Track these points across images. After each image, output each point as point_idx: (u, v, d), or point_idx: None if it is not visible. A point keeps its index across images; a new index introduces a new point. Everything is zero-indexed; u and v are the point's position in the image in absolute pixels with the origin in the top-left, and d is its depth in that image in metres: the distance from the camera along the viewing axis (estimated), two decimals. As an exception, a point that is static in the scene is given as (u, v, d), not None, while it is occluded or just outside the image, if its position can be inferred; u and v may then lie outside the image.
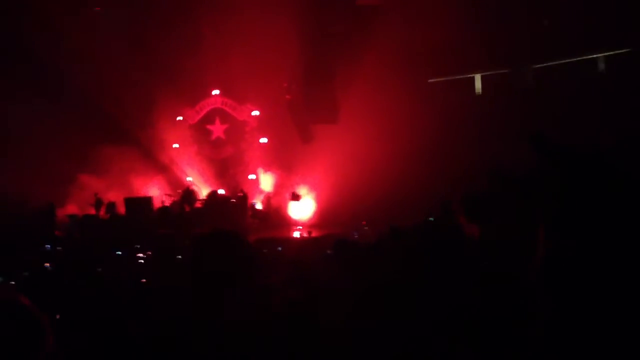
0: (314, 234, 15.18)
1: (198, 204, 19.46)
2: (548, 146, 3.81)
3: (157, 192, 20.29)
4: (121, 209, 19.50)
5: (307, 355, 1.79)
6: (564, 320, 3.00)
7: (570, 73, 16.30)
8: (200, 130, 21.76)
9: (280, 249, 10.06)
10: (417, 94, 17.01)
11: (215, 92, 21.59)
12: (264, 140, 20.64)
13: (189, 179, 20.51)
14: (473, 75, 18.45)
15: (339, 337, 1.99)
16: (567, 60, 16.77)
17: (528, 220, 4.23)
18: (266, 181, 20.18)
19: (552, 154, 3.76)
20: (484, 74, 18.32)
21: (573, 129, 10.83)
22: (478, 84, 18.44)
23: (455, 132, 15.83)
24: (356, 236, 11.10)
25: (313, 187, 18.72)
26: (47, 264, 9.58)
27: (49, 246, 13.66)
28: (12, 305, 1.40)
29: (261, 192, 20.19)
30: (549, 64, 16.95)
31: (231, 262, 1.80)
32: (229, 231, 2.00)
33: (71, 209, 18.90)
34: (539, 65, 17.20)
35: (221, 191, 19.80)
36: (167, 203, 19.89)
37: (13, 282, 7.60)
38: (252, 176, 20.50)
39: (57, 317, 4.93)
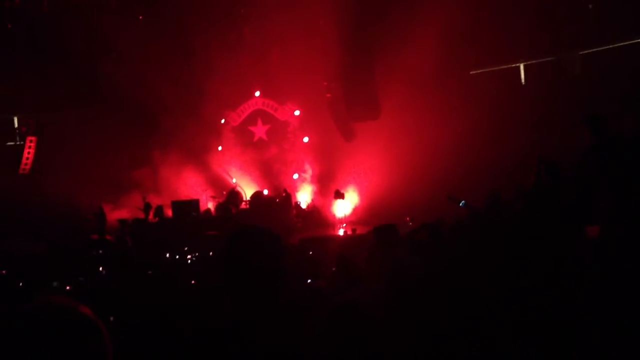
0: (358, 232, 15.11)
1: (243, 205, 19.67)
2: (604, 127, 3.71)
3: (203, 195, 20.59)
4: (169, 212, 19.90)
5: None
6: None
7: (618, 58, 15.75)
8: (243, 131, 21.96)
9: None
10: (460, 87, 16.73)
11: (257, 93, 21.75)
12: (306, 139, 20.68)
13: (233, 180, 20.74)
14: (517, 65, 18.04)
15: (387, 339, 1.96)
16: (614, 45, 16.21)
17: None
18: (309, 181, 20.22)
19: (608, 135, 3.65)
20: (528, 62, 17.89)
21: (623, 117, 10.45)
22: (522, 74, 18.02)
23: (500, 123, 15.49)
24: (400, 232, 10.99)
25: (356, 185, 18.65)
26: (101, 268, 9.84)
27: (101, 251, 14.03)
28: (74, 315, 1.39)
29: (305, 191, 20.25)
30: (595, 49, 16.43)
31: (261, 260, 1.78)
32: (261, 227, 1.99)
33: (120, 213, 19.34)
34: (585, 52, 16.69)
35: (265, 192, 19.95)
36: (213, 205, 20.19)
37: (69, 287, 7.83)
38: (295, 176, 20.58)
39: (111, 319, 5.05)
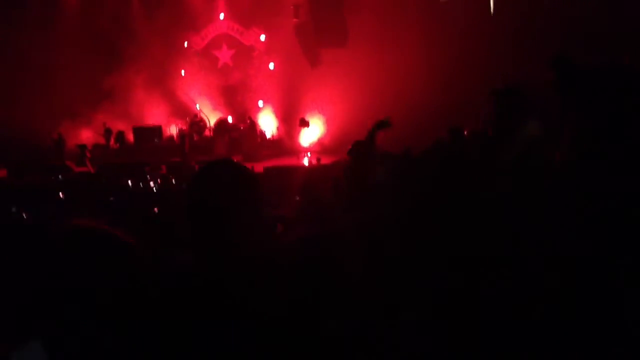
0: (323, 161, 15.11)
1: (206, 133, 19.41)
2: (570, 70, 3.67)
3: (165, 120, 20.20)
4: (130, 138, 19.54)
5: (321, 297, 1.73)
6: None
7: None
8: (207, 56, 21.37)
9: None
10: (429, 14, 16.44)
11: (221, 16, 21.01)
12: (271, 65, 20.26)
13: (197, 106, 20.34)
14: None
15: (353, 277, 1.92)
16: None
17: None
18: (274, 108, 19.97)
19: (574, 78, 3.63)
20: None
21: (592, 47, 10.45)
22: (491, 3, 17.75)
23: (469, 52, 15.37)
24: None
25: (322, 113, 18.50)
26: (61, 194, 9.67)
27: (60, 176, 13.77)
28: (107, 236, 1.51)
29: (269, 119, 20.03)
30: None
31: (233, 194, 1.67)
32: (230, 160, 1.85)
33: (80, 138, 18.91)
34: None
35: (229, 119, 19.66)
36: (176, 132, 19.88)
37: (25, 214, 7.67)
38: (260, 103, 20.27)
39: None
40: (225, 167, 1.74)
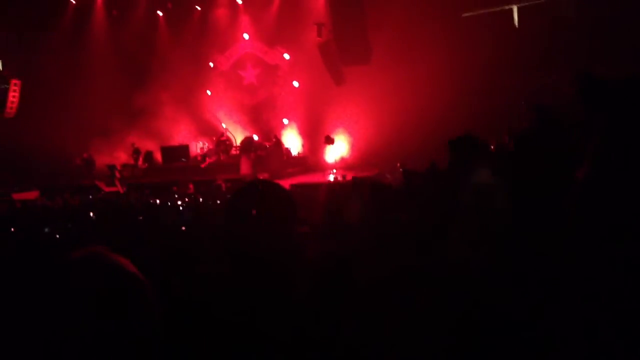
0: (348, 178, 15.13)
1: (233, 151, 19.61)
2: (594, 88, 3.66)
3: (192, 140, 20.48)
4: (158, 158, 19.85)
5: (341, 309, 1.76)
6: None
7: (614, 2, 15.46)
8: (232, 76, 21.66)
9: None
10: (452, 30, 16.44)
11: (246, 36, 21.33)
12: (296, 83, 20.44)
13: (223, 126, 20.58)
14: (510, 7, 17.69)
15: (372, 287, 1.95)
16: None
17: (566, 155, 4.11)
18: (300, 126, 20.11)
19: (598, 96, 3.62)
20: (521, 5, 17.55)
21: (616, 59, 10.36)
22: (515, 17, 17.71)
23: (494, 67, 15.31)
24: (389, 178, 11.01)
25: (347, 130, 18.57)
26: (92, 213, 9.84)
27: (91, 196, 14.04)
28: (117, 271, 1.32)
29: (295, 137, 20.16)
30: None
31: (270, 210, 1.74)
32: (267, 180, 1.93)
33: (110, 158, 19.26)
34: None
35: (255, 137, 19.85)
36: (203, 151, 20.13)
37: (58, 235, 7.83)
38: (285, 121, 20.43)
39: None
40: (264, 185, 1.82)
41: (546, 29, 15.71)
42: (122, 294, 1.28)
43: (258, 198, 1.80)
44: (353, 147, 18.69)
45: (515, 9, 17.71)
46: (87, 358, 1.21)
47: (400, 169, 12.68)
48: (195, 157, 19.92)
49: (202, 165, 18.75)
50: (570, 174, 3.77)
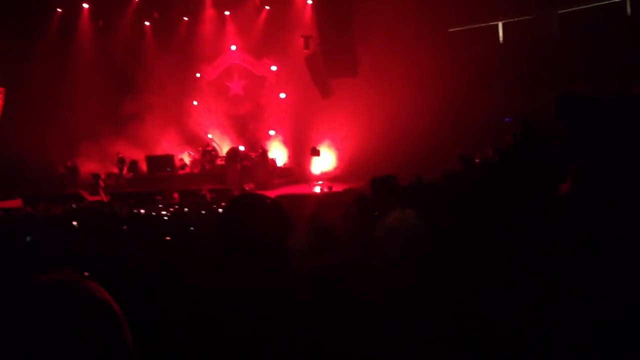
0: (334, 189, 15.18)
1: (218, 161, 19.57)
2: (573, 106, 3.74)
3: (177, 149, 20.41)
4: (143, 167, 19.74)
5: (333, 325, 1.77)
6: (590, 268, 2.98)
7: (596, 18, 15.76)
8: (219, 86, 21.67)
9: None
10: (438, 45, 16.63)
11: (233, 47, 21.38)
12: (282, 95, 20.50)
13: (209, 136, 20.55)
14: (495, 23, 17.96)
15: (365, 302, 1.97)
16: (592, 5, 16.18)
17: (551, 171, 4.18)
18: (286, 137, 20.16)
19: (577, 114, 3.70)
20: (506, 21, 17.82)
21: (599, 77, 10.54)
22: (500, 32, 17.97)
23: (479, 81, 15.50)
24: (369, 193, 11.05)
25: (333, 142, 18.64)
26: (75, 223, 9.76)
27: (75, 205, 13.91)
28: (88, 299, 1.22)
29: (281, 148, 20.20)
30: (573, 9, 16.39)
31: (263, 224, 1.76)
32: (262, 195, 1.95)
33: (93, 167, 19.12)
34: (563, 11, 16.65)
35: (241, 148, 19.84)
36: (188, 161, 20.07)
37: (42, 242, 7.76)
38: (272, 132, 20.47)
39: (86, 274, 5.04)
40: (256, 199, 1.84)
41: (530, 45, 15.98)
42: (89, 322, 1.18)
43: (253, 211, 1.82)
44: (339, 158, 18.76)
45: (500, 25, 17.97)
46: None
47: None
48: (180, 166, 19.88)
49: (180, 172, 18.83)
50: (553, 188, 3.84)
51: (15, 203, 15.09)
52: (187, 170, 19.56)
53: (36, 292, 1.20)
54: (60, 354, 1.15)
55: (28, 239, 7.97)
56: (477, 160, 8.39)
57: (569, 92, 3.73)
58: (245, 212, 1.78)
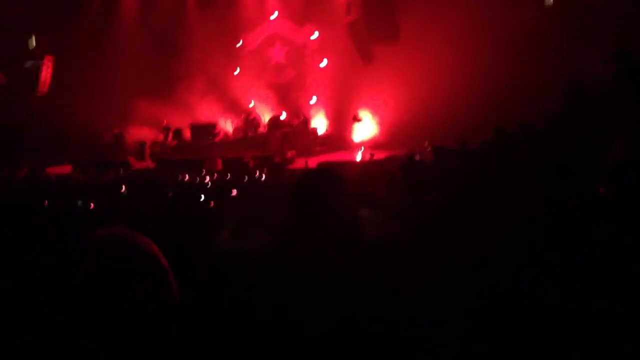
0: (376, 157, 15.12)
1: (260, 129, 19.70)
2: (632, 65, 3.61)
3: (220, 118, 20.60)
4: (187, 135, 20.05)
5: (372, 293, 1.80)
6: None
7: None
8: (261, 54, 21.65)
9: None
10: (481, 7, 16.15)
11: (274, 15, 21.26)
12: (324, 63, 20.36)
13: (251, 104, 20.64)
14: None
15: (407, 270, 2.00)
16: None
17: (602, 136, 4.06)
18: (328, 105, 20.08)
19: (636, 73, 3.56)
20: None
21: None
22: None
23: (526, 47, 15.02)
24: (418, 157, 10.95)
25: (375, 109, 18.48)
26: (123, 188, 10.06)
27: (121, 171, 14.30)
28: (137, 251, 1.30)
29: (323, 115, 20.15)
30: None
31: (330, 191, 1.93)
32: (332, 171, 2.19)
33: (139, 135, 19.50)
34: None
35: (283, 116, 19.88)
36: (231, 129, 20.27)
37: (92, 206, 8.02)
38: (313, 100, 20.41)
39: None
40: (323, 174, 1.98)
41: (580, 6, 15.32)
42: (141, 275, 1.25)
43: (321, 182, 2.03)
44: (380, 125, 18.60)
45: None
46: (102, 335, 1.20)
47: (429, 148, 12.62)
48: (225, 133, 20.13)
49: (216, 139, 19.26)
50: (604, 155, 3.74)
51: (66, 169, 15.59)
52: (230, 137, 19.78)
53: (93, 243, 1.29)
54: (113, 299, 1.22)
55: (79, 202, 8.27)
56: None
57: (628, 52, 3.61)
58: (316, 179, 1.98)
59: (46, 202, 8.32)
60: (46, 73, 19.13)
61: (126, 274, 1.26)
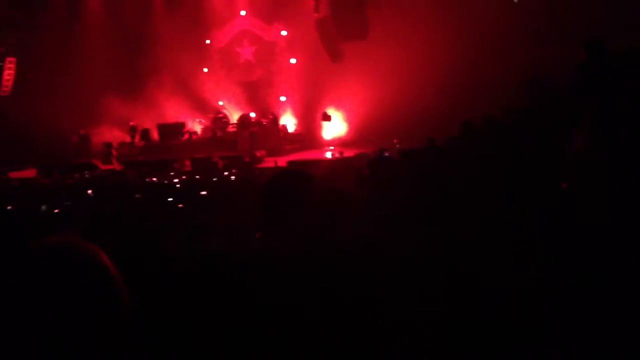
0: (345, 154, 15.13)
1: (229, 128, 19.53)
2: (603, 53, 3.63)
3: (188, 117, 20.37)
4: (155, 135, 19.77)
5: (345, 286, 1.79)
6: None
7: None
8: (229, 53, 21.47)
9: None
10: (450, 4, 16.26)
11: (242, 13, 21.10)
12: (293, 61, 20.28)
13: (220, 103, 20.45)
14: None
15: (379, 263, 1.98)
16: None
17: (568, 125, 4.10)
18: (297, 103, 20.01)
19: (607, 61, 3.59)
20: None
21: (618, 31, 10.24)
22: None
23: (495, 43, 15.14)
24: (387, 155, 10.98)
25: (344, 107, 18.48)
26: (89, 191, 9.85)
27: (87, 174, 14.03)
28: (84, 259, 1.24)
29: (292, 114, 20.08)
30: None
31: (297, 192, 1.95)
32: (301, 170, 2.22)
33: (106, 136, 19.18)
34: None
35: (252, 114, 19.75)
36: (199, 128, 20.05)
37: (57, 210, 7.83)
38: (282, 98, 20.32)
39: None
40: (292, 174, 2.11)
41: (548, 5, 15.51)
42: (83, 282, 1.20)
43: (288, 183, 2.07)
44: (350, 123, 18.61)
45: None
46: (48, 347, 1.15)
47: (397, 146, 12.67)
48: (191, 134, 19.90)
49: (183, 139, 19.06)
50: (566, 148, 3.77)
51: (30, 173, 15.23)
52: (198, 137, 19.56)
53: (32, 253, 1.22)
54: (54, 310, 1.16)
55: (43, 207, 8.06)
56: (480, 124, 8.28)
57: (598, 41, 3.62)
58: (284, 179, 2.00)
59: (9, 207, 8.09)
60: (8, 74, 18.68)
61: (66, 284, 1.20)
